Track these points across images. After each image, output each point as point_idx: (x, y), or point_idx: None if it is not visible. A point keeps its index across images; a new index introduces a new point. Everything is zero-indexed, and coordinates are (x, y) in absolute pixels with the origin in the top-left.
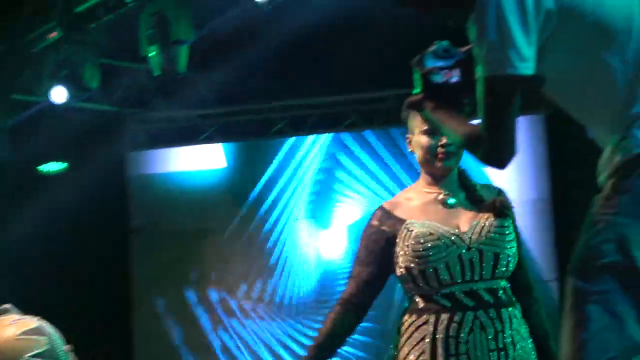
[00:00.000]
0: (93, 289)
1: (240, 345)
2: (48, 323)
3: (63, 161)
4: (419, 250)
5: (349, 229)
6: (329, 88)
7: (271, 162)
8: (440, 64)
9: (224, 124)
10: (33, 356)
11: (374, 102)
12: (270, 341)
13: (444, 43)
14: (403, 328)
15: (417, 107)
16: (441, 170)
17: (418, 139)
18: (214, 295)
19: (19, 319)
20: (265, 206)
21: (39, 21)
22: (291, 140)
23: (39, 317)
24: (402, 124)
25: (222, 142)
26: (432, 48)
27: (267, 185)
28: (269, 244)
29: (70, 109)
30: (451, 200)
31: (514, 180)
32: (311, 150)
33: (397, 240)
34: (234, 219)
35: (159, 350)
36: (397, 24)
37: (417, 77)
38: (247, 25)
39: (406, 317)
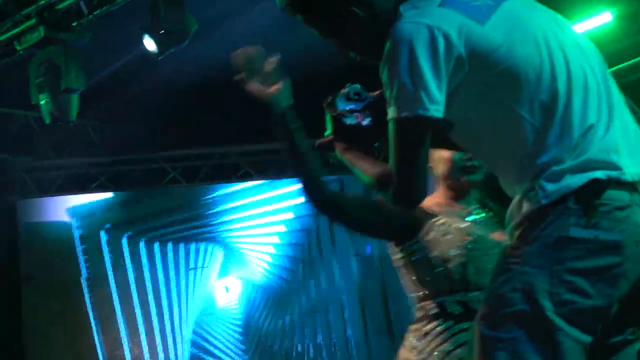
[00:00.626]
0: None
1: None
2: None
3: None
4: (464, 241)
5: (242, 278)
6: (222, 139)
7: (166, 211)
8: (352, 106)
9: (115, 172)
10: None
11: (268, 154)
12: None
13: (356, 86)
14: (435, 332)
15: (328, 148)
16: (465, 184)
17: (442, 153)
18: (103, 344)
19: None
20: (156, 255)
21: None
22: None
23: None
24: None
25: (113, 190)
26: (344, 90)
27: (155, 234)
28: (163, 292)
29: None
30: (474, 217)
31: None
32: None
33: (427, 228)
34: (126, 268)
35: None
36: (294, 75)
37: (328, 118)
38: (140, 74)
39: (438, 321)
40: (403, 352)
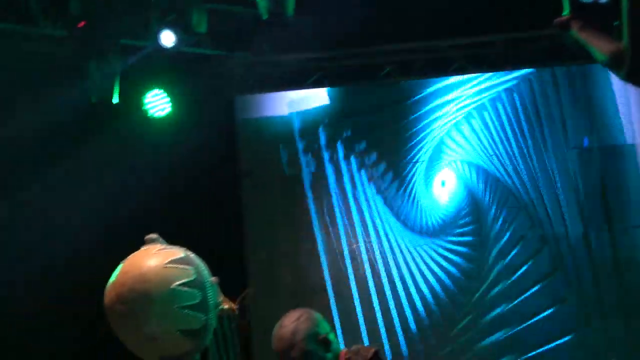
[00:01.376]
0: (204, 233)
1: (352, 285)
2: (194, 254)
3: (171, 105)
4: None
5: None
6: (437, 32)
7: (377, 106)
8: None
9: (331, 67)
10: (181, 285)
11: (482, 46)
12: (382, 278)
13: None
14: None
15: (565, 27)
16: None
17: None
18: (322, 236)
19: (165, 248)
20: (371, 147)
21: None
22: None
23: (185, 248)
24: (508, 67)
25: (329, 86)
26: None
27: (371, 127)
28: (384, 185)
29: (178, 53)
30: None
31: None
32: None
33: None
34: (340, 163)
35: (272, 292)
36: None
37: None
38: None
39: None
40: None
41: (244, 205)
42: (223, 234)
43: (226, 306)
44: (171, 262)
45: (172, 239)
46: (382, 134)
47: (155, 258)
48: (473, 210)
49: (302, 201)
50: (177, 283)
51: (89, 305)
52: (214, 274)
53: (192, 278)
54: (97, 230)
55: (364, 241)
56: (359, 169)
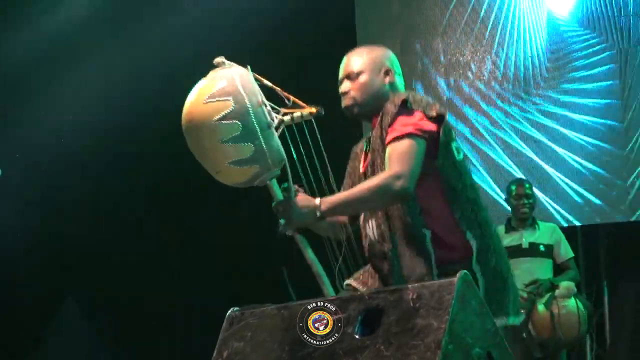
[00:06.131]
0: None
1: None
2: (242, 72)
3: None
4: None
5: None
6: None
7: None
8: None
9: None
10: (219, 119)
11: None
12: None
13: None
14: None
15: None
16: None
17: None
18: None
19: (214, 77)
20: None
21: None
22: None
23: (235, 66)
24: None
25: None
26: None
27: None
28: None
29: None
30: None
31: None
32: None
33: None
34: None
35: None
36: None
37: None
38: None
39: None
40: None
41: None
42: None
43: (305, 112)
44: (210, 96)
45: None
46: None
47: (198, 93)
48: None
49: None
50: (216, 118)
51: None
52: None
53: (229, 110)
54: None
55: None
56: None
